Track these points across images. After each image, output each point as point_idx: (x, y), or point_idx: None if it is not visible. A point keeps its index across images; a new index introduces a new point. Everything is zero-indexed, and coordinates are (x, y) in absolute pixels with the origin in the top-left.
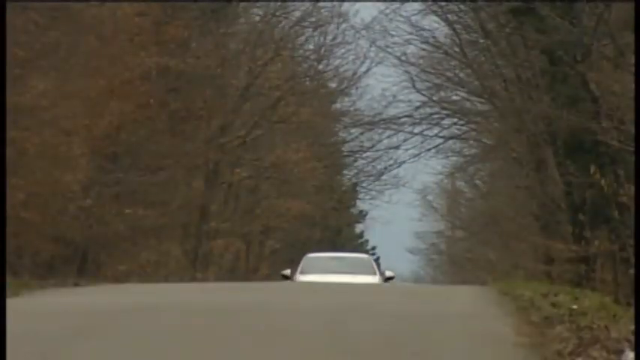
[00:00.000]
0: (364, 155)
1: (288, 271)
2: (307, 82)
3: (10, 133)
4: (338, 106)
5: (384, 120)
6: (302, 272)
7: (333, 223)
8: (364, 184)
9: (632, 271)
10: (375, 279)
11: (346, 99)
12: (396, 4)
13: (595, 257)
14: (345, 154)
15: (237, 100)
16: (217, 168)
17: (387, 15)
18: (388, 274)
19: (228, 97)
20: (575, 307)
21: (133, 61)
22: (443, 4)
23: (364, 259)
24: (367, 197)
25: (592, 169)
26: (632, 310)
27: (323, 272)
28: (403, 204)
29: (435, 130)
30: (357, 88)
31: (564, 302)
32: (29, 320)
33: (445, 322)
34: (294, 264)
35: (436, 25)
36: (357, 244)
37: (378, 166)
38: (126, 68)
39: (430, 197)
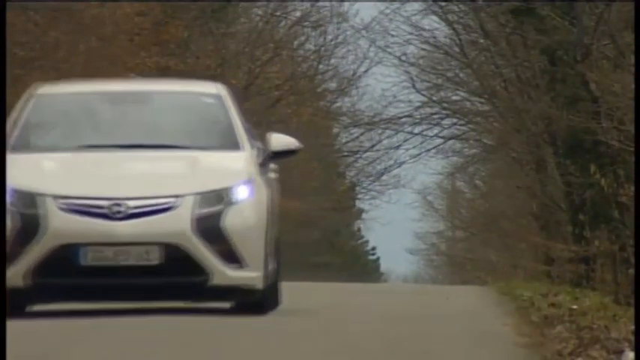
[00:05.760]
0: (364, 155)
1: None
2: (307, 82)
3: None
4: (338, 106)
5: (384, 120)
6: (20, 146)
7: (332, 224)
8: (364, 184)
9: (632, 271)
10: (239, 157)
11: (346, 99)
12: (396, 4)
13: (595, 257)
14: (345, 154)
15: (237, 100)
16: None
17: (387, 15)
18: (277, 143)
19: None
20: (575, 307)
21: (133, 61)
22: (443, 4)
23: (206, 99)
24: (367, 197)
25: (592, 169)
26: (632, 310)
27: (84, 145)
28: (403, 204)
29: (435, 130)
30: (357, 88)
31: (564, 302)
32: (29, 320)
33: (445, 322)
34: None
35: (436, 25)
36: (355, 244)
37: (378, 167)
38: (126, 68)
39: (430, 198)
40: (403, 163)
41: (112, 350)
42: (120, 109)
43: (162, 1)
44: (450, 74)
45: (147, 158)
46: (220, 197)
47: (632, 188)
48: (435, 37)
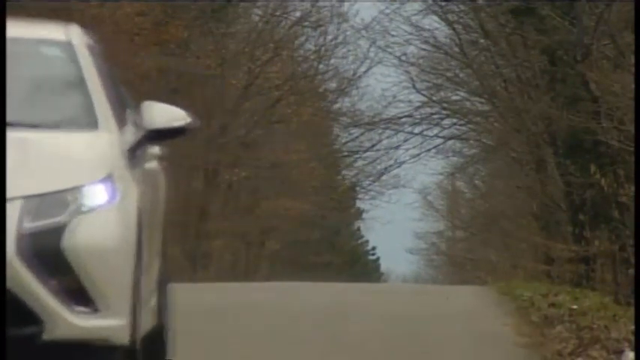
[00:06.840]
0: (364, 155)
1: None
2: (307, 82)
3: None
4: (338, 106)
5: (384, 120)
6: None
7: (332, 224)
8: (364, 184)
9: (632, 271)
10: (96, 140)
11: (346, 99)
12: (396, 4)
13: (595, 257)
14: (345, 154)
15: (237, 100)
16: (217, 168)
17: (387, 15)
18: (159, 118)
19: (227, 97)
20: (575, 307)
21: (133, 61)
22: (443, 4)
23: (49, 50)
24: (367, 197)
25: (592, 169)
26: (632, 310)
27: None
28: (403, 204)
29: (435, 130)
30: (357, 88)
31: (564, 302)
32: None
33: (445, 322)
34: None
35: (436, 25)
36: (355, 244)
37: (378, 167)
38: (126, 68)
39: (430, 198)
40: (403, 163)
41: None
42: None
43: (163, 1)
44: (449, 74)
45: None
46: (64, 203)
47: (632, 188)
48: (435, 37)
